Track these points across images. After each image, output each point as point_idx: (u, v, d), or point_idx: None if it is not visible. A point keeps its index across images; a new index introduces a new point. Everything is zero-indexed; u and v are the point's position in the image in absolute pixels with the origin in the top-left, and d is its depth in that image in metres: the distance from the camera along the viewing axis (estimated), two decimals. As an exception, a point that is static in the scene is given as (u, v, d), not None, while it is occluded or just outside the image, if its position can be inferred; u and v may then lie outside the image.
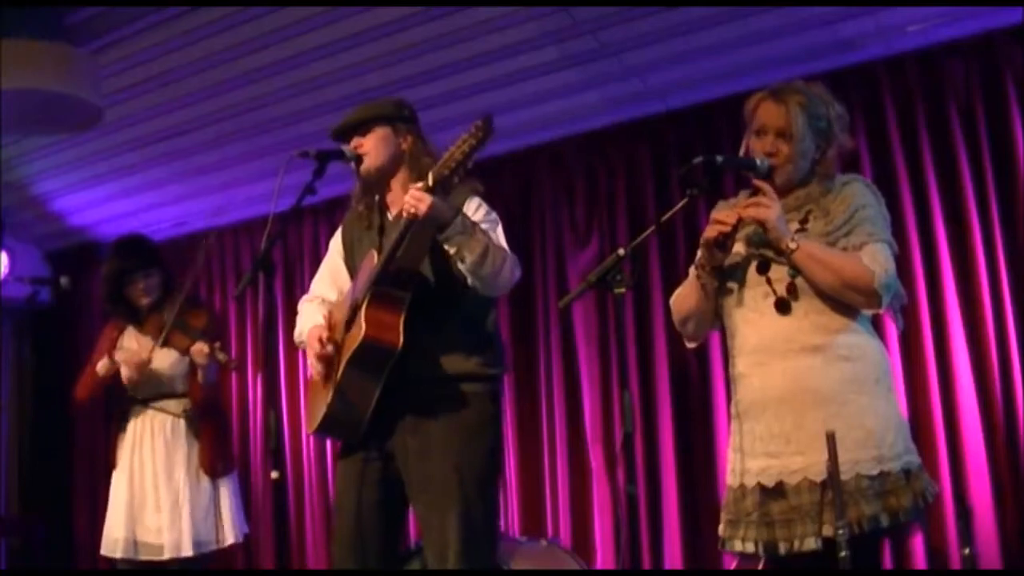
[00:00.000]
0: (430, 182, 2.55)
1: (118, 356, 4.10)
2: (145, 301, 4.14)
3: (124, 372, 4.07)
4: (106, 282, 4.18)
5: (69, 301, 6.10)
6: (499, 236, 2.80)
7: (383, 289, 2.67)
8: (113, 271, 4.16)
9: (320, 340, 2.79)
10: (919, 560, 3.99)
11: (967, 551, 3.67)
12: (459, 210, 2.64)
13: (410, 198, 2.56)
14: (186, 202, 5.76)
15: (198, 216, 5.94)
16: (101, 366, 4.13)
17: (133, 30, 4.17)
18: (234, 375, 5.77)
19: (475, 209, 2.79)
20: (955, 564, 3.88)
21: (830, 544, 2.33)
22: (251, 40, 4.23)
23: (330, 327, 2.85)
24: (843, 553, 2.21)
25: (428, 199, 2.53)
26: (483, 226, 2.71)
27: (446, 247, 2.62)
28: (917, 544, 3.96)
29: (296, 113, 4.76)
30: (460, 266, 2.64)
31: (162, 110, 4.79)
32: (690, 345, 2.86)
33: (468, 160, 2.50)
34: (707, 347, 4.42)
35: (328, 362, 2.79)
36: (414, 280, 2.69)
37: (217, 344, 3.96)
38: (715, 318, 2.71)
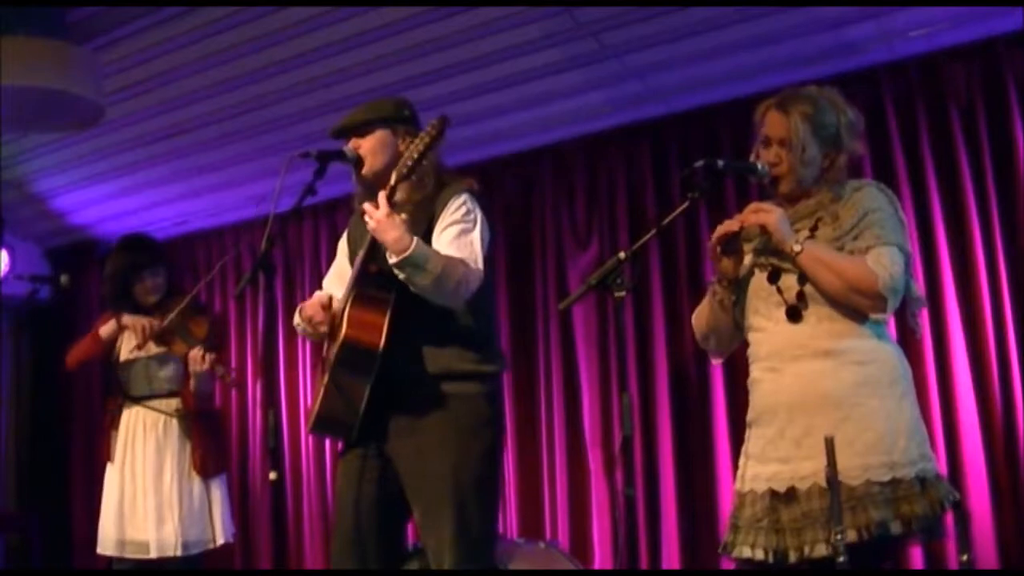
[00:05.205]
0: (386, 195, 2.62)
1: (126, 320, 4.08)
2: (151, 299, 4.13)
3: (133, 333, 4.04)
4: (112, 279, 4.15)
5: (69, 299, 6.10)
6: (474, 237, 2.73)
7: (364, 290, 2.68)
8: (121, 267, 4.13)
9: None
10: (917, 566, 3.98)
11: (965, 557, 3.66)
12: (416, 240, 2.58)
13: (367, 216, 2.62)
14: (187, 201, 5.76)
15: (199, 215, 5.94)
16: (105, 328, 4.12)
17: (135, 28, 4.16)
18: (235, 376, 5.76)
19: (456, 208, 2.74)
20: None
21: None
22: (254, 39, 4.22)
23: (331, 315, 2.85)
24: (841, 558, 2.20)
25: (383, 222, 2.56)
26: (458, 227, 2.70)
27: (396, 272, 2.60)
28: (915, 549, 3.96)
29: (299, 112, 4.75)
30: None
31: (164, 108, 4.78)
32: (715, 361, 2.86)
33: (418, 164, 2.62)
34: (706, 351, 4.42)
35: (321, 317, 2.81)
36: (396, 280, 2.65)
37: (215, 357, 3.94)
38: (737, 332, 2.70)
